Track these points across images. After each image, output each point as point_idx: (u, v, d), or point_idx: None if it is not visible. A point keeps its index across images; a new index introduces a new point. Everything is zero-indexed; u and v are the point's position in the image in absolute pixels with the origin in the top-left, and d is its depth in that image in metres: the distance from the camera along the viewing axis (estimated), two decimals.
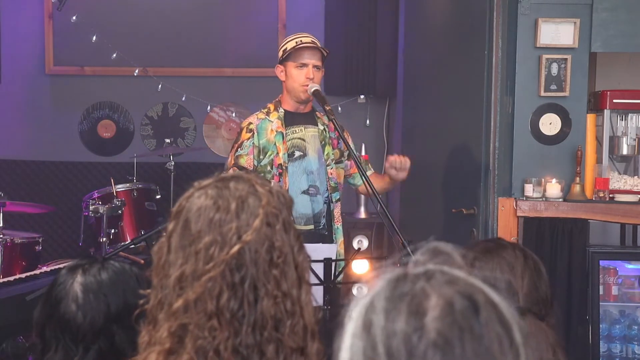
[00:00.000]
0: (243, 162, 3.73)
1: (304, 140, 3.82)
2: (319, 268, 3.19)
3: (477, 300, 0.91)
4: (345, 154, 3.88)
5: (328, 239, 3.79)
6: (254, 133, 3.77)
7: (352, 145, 3.70)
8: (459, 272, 0.94)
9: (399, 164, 3.75)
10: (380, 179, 3.90)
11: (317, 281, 3.16)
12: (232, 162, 3.77)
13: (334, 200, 3.82)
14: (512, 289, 1.92)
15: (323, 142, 3.84)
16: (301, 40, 3.78)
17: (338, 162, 3.88)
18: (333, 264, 3.22)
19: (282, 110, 3.83)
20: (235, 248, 1.49)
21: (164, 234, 1.56)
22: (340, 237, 3.81)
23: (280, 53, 3.83)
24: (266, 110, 3.85)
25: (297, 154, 3.80)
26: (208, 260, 1.49)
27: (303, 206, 3.78)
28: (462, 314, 0.89)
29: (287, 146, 3.77)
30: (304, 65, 3.75)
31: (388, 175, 3.81)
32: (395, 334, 0.89)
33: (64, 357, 1.79)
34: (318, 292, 3.17)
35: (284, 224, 1.54)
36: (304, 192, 3.78)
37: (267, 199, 1.53)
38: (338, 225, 3.82)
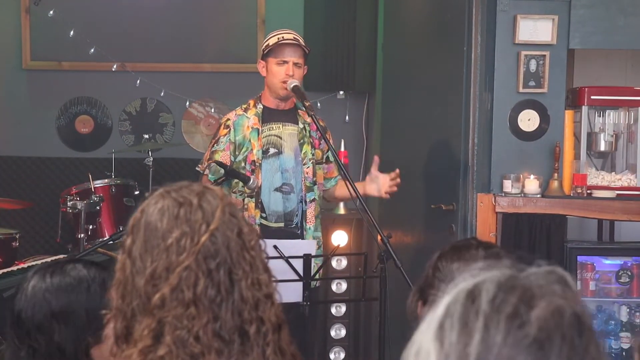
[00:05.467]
0: (218, 157, 3.75)
1: (280, 137, 3.81)
2: (298, 264, 3.18)
3: (584, 323, 0.93)
4: (325, 156, 3.87)
5: (299, 238, 3.76)
6: (230, 129, 3.80)
7: (334, 147, 3.72)
8: (573, 295, 0.96)
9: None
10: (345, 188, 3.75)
11: (296, 277, 3.16)
12: (208, 157, 3.82)
13: (308, 200, 3.80)
14: None
15: (302, 141, 3.82)
16: (283, 37, 3.77)
17: (319, 162, 3.86)
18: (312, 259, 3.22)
19: (261, 107, 3.83)
20: (206, 236, 1.51)
21: (122, 251, 1.56)
22: (309, 237, 3.76)
23: (262, 48, 3.83)
24: (245, 106, 3.86)
25: (271, 150, 3.79)
26: (181, 252, 1.50)
27: (275, 203, 3.76)
28: (569, 324, 0.91)
29: (261, 143, 3.77)
30: (284, 62, 3.75)
31: (368, 181, 3.77)
32: (499, 311, 0.90)
33: (11, 354, 1.86)
34: (298, 289, 3.17)
35: (243, 216, 1.60)
36: (276, 190, 3.77)
37: (221, 193, 1.59)
38: (310, 225, 3.78)
